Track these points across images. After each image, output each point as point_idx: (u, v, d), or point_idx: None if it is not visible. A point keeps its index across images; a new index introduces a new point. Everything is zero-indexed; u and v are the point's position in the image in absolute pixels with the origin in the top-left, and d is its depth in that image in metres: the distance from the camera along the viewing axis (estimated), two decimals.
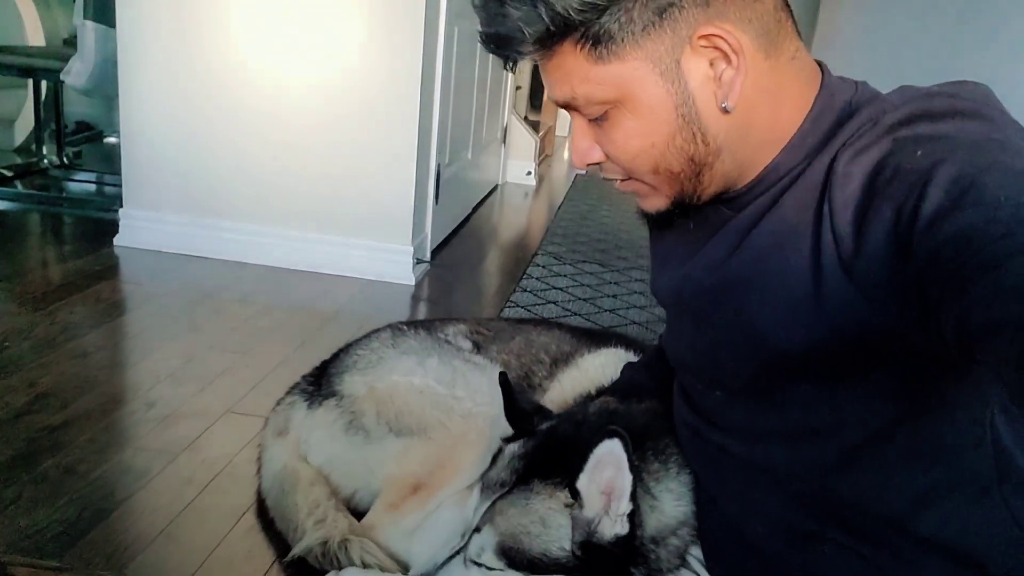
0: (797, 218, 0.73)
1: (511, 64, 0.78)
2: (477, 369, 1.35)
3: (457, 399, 1.30)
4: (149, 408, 1.65)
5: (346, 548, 1.15)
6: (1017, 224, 0.52)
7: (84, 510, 1.29)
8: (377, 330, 1.50)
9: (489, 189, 4.28)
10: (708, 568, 0.96)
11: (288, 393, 1.46)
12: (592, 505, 0.91)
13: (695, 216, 0.87)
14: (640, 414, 1.07)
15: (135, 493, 1.36)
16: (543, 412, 1.06)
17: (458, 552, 0.99)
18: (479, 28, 0.75)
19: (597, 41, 0.71)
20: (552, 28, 0.70)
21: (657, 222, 0.86)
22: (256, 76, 2.52)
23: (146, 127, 2.59)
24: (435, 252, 2.96)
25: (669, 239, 0.96)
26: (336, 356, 1.45)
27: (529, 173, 4.79)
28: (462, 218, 3.54)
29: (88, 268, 2.44)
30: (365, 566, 1.14)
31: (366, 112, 2.53)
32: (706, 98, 0.73)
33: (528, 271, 2.88)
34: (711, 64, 0.72)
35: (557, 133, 6.31)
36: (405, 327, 1.48)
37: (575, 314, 2.47)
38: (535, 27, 0.70)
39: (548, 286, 2.74)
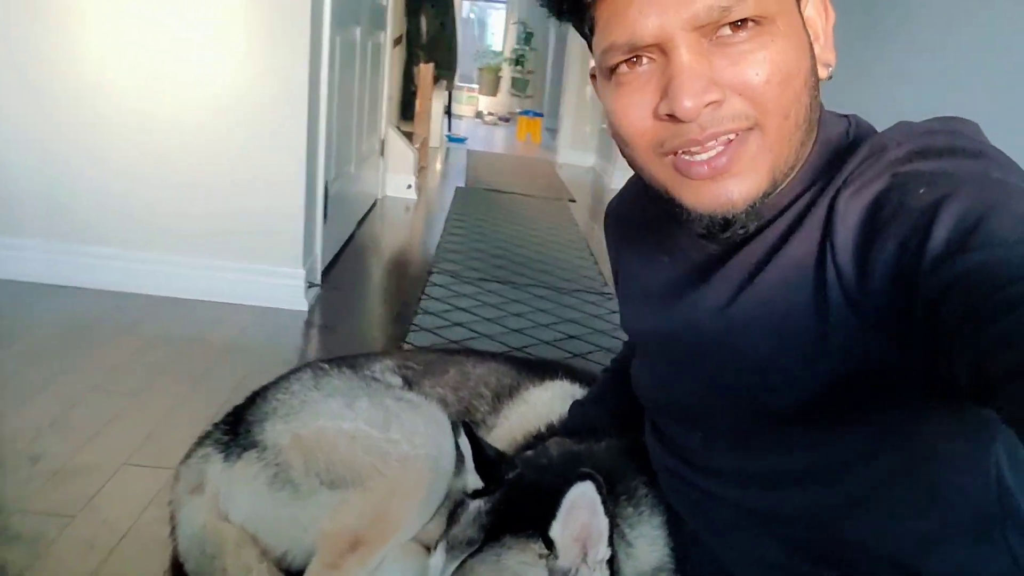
0: (803, 258, 0.70)
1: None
2: (411, 407, 1.27)
3: (392, 442, 1.21)
4: (34, 463, 1.46)
5: None
6: None
7: None
8: (296, 370, 1.38)
9: (370, 204, 4.16)
10: None
11: (199, 444, 1.32)
12: (567, 554, 0.87)
13: (674, 252, 0.84)
14: (604, 455, 1.03)
15: (30, 565, 1.19)
16: (507, 460, 0.99)
17: None
18: None
19: None
20: None
21: (718, 227, 0.73)
22: (127, 92, 2.31)
23: None
24: (325, 272, 2.82)
25: (643, 276, 0.92)
26: (252, 402, 1.33)
27: (409, 186, 4.69)
28: (347, 236, 3.41)
29: None
30: None
31: (250, 128, 2.38)
32: (816, 51, 0.73)
33: (427, 291, 2.80)
34: (817, 15, 0.73)
35: (432, 144, 6.24)
36: (326, 365, 1.37)
37: (483, 335, 2.42)
38: None
39: (451, 307, 2.67)
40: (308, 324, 2.44)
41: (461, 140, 7.45)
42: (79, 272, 2.37)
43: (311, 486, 1.18)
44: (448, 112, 6.84)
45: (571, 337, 2.51)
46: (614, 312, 2.81)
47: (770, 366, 0.73)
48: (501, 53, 10.89)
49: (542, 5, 0.73)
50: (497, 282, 3.03)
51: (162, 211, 2.40)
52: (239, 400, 1.71)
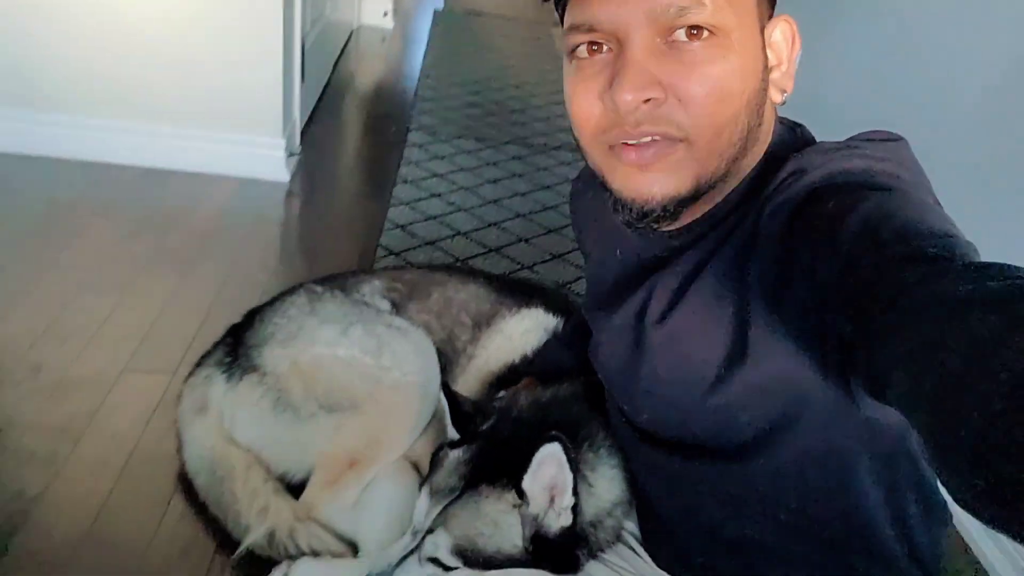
0: (729, 270, 0.75)
1: None
2: (400, 335, 1.36)
3: (384, 369, 1.32)
4: (35, 375, 1.55)
5: (294, 537, 1.20)
6: (920, 240, 0.55)
7: None
8: (290, 292, 1.45)
9: (346, 37, 4.00)
10: (648, 550, 1.08)
11: (200, 365, 1.42)
12: (537, 502, 1.00)
13: (623, 246, 0.88)
14: (568, 402, 1.14)
15: (48, 485, 1.31)
16: (482, 411, 1.11)
17: (411, 552, 1.06)
18: None
19: None
20: None
21: (640, 217, 0.76)
22: None
23: None
24: (304, 130, 2.80)
25: (598, 266, 0.96)
26: (250, 323, 1.41)
27: (386, 14, 4.49)
28: (325, 80, 3.32)
29: None
30: (314, 552, 1.20)
31: None
32: (770, 78, 0.74)
33: (405, 153, 2.81)
34: (782, 41, 0.74)
35: None
36: (319, 288, 1.45)
37: (461, 209, 2.47)
38: None
39: (428, 172, 2.69)
40: (289, 195, 2.46)
41: None
42: (53, 142, 2.33)
43: (310, 410, 1.30)
44: None
45: (546, 208, 2.57)
46: None
47: (701, 367, 0.77)
48: None
49: None
50: (474, 139, 3.03)
51: (136, 79, 2.33)
52: (229, 294, 1.82)
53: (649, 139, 0.72)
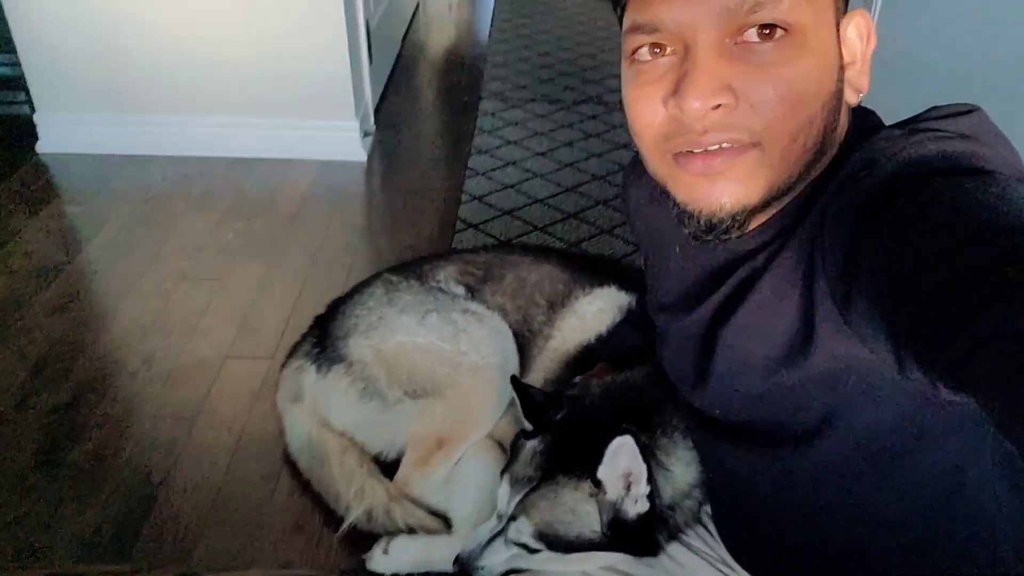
0: (800, 264, 0.72)
1: None
2: (476, 319, 1.40)
3: (463, 354, 1.37)
4: (149, 366, 1.67)
5: (390, 515, 1.27)
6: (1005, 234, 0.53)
7: (129, 500, 1.37)
8: (368, 284, 1.51)
9: (413, 9, 4.01)
10: (719, 532, 1.10)
11: (292, 355, 1.51)
12: (613, 490, 1.02)
13: (684, 247, 0.86)
14: (640, 388, 1.15)
15: (169, 471, 1.43)
16: (554, 401, 1.13)
17: (498, 534, 1.11)
18: None
19: None
20: None
21: (707, 229, 0.72)
22: None
23: (43, 21, 2.32)
24: (377, 110, 2.85)
25: (660, 267, 0.94)
26: (333, 315, 1.48)
27: None
28: (394, 57, 3.35)
29: (19, 189, 2.32)
30: (410, 529, 1.27)
31: None
32: (848, 76, 0.71)
33: (479, 123, 2.82)
34: (857, 38, 0.70)
35: None
36: (395, 278, 1.50)
37: (537, 175, 2.47)
38: None
39: (502, 140, 2.70)
40: (369, 174, 2.53)
41: None
42: (140, 141, 2.48)
43: (396, 396, 1.37)
44: None
45: (623, 167, 2.54)
46: None
47: (766, 358, 0.76)
48: None
49: None
50: (547, 101, 3.01)
51: (215, 79, 2.44)
52: (316, 278, 1.90)
53: (717, 147, 0.67)
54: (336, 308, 1.50)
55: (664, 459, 1.10)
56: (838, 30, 0.69)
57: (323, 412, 1.41)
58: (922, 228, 0.58)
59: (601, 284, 1.42)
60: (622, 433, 0.97)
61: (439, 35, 3.92)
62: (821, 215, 0.69)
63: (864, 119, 0.78)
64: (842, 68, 0.70)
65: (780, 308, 0.74)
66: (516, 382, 1.12)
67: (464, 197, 2.34)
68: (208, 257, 2.05)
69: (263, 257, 2.05)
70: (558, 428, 1.10)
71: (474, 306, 1.44)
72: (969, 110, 0.72)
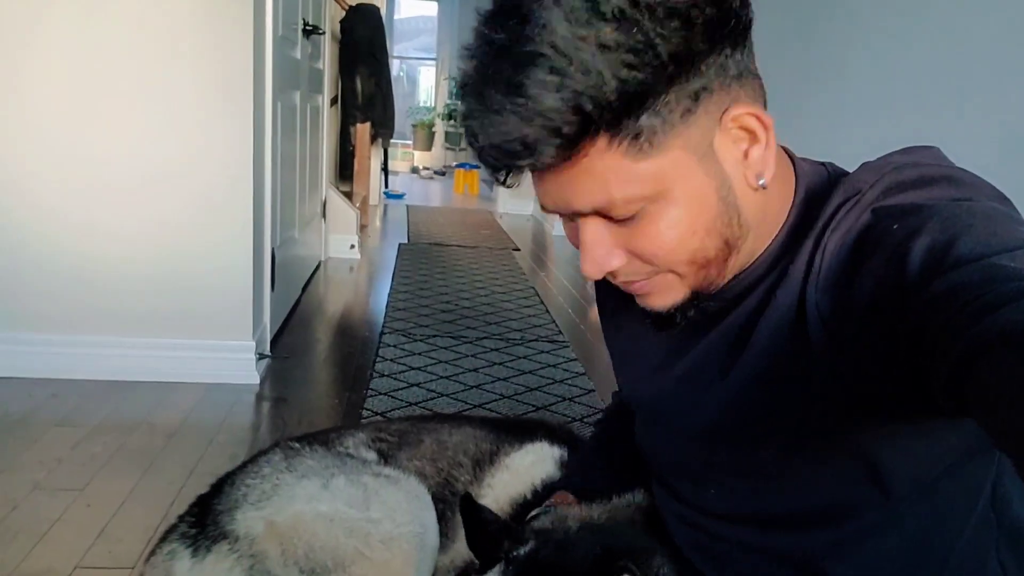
0: (788, 308, 0.72)
1: (506, 176, 0.69)
2: (391, 483, 1.22)
3: (374, 522, 1.16)
4: None
5: None
6: (1003, 277, 0.53)
7: None
8: (264, 452, 1.32)
9: (314, 267, 4.09)
10: None
11: (164, 540, 1.24)
12: None
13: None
14: (627, 525, 1.00)
15: None
16: (512, 532, 0.95)
17: None
18: (474, 139, 0.65)
19: (638, 135, 0.63)
20: (581, 127, 0.61)
21: (663, 320, 0.78)
22: (64, 165, 2.22)
23: None
24: (273, 342, 2.74)
25: (636, 338, 0.91)
26: (219, 489, 1.25)
27: (352, 246, 4.64)
28: (294, 301, 3.33)
29: None
30: None
31: (196, 199, 2.30)
32: (739, 178, 0.70)
33: (380, 352, 2.75)
34: (736, 143, 0.69)
35: (371, 202, 6.21)
36: (297, 444, 1.31)
37: (442, 395, 2.37)
38: (564, 125, 0.61)
39: (405, 367, 2.62)
40: (260, 397, 2.34)
41: (399, 196, 7.43)
42: (7, 360, 2.24)
43: None
44: (385, 169, 6.82)
45: (530, 390, 2.48)
46: (571, 360, 2.80)
47: (767, 416, 0.74)
48: (433, 108, 10.98)
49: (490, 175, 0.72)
50: (450, 337, 3.00)
51: (101, 290, 2.30)
52: (195, 487, 1.63)
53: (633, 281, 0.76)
54: (223, 483, 1.27)
55: None
56: (713, 152, 0.69)
57: None
58: (911, 266, 0.59)
59: (532, 440, 1.28)
60: (621, 572, 0.81)
61: (339, 292, 3.96)
62: (809, 258, 0.70)
63: (824, 165, 0.80)
64: (726, 182, 0.70)
65: (780, 360, 0.72)
66: (469, 501, 0.94)
67: (365, 413, 2.19)
68: (70, 468, 1.76)
69: (135, 470, 1.78)
70: (522, 564, 0.91)
71: (388, 470, 1.26)
72: (929, 147, 0.75)
